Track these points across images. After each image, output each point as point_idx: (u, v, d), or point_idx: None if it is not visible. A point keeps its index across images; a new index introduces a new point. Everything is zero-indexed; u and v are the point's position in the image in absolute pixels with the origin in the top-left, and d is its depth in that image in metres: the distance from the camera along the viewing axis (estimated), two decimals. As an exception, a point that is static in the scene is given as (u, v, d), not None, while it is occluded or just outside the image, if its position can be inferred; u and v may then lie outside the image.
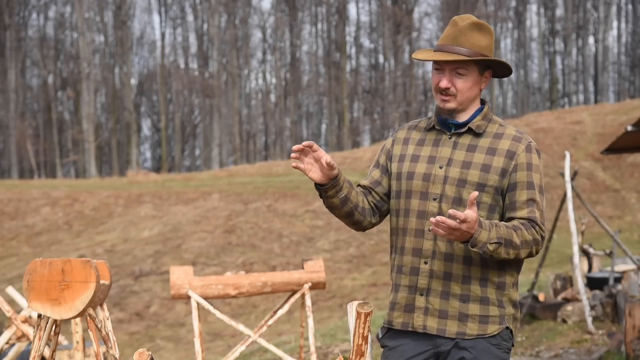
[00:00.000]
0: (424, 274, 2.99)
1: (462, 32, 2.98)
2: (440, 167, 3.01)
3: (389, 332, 3.11)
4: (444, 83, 2.99)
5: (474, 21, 3.01)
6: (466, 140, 3.03)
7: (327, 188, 2.98)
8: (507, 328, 3.01)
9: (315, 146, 2.93)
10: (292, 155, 2.95)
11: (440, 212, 2.97)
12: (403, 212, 3.06)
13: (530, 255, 2.95)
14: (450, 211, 2.75)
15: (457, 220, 2.74)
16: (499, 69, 3.09)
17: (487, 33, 3.02)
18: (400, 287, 3.06)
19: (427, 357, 3.01)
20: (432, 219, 2.77)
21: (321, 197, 3.05)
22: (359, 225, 3.14)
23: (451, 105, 3.01)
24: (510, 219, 2.97)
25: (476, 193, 2.74)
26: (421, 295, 2.99)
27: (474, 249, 2.83)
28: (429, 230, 2.90)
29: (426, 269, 2.98)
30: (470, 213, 2.76)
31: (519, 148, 2.99)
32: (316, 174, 2.96)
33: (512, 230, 2.88)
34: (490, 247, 2.84)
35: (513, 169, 2.97)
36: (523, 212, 2.95)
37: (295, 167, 2.94)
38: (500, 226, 2.87)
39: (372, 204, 3.15)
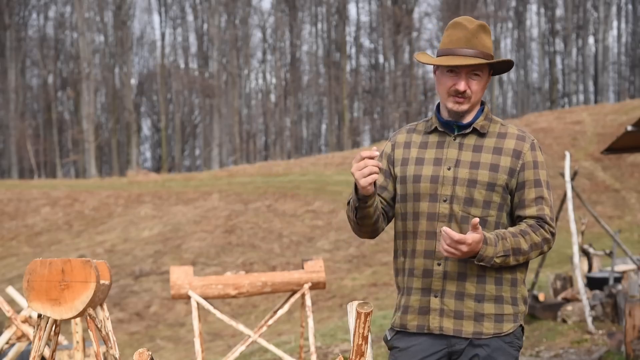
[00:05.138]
0: (438, 275, 3.01)
1: (473, 35, 3.01)
2: (449, 169, 3.03)
3: (399, 334, 3.11)
4: (462, 86, 3.00)
5: (481, 23, 3.05)
6: (471, 141, 3.06)
7: (371, 195, 2.95)
8: (520, 326, 3.07)
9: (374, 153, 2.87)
10: (372, 163, 2.86)
11: (452, 213, 3.00)
12: (412, 215, 3.07)
13: (541, 253, 3.03)
14: (444, 229, 2.81)
15: (455, 239, 2.80)
16: (499, 68, 3.13)
17: (490, 34, 3.07)
18: (413, 290, 3.06)
19: (440, 357, 3.02)
20: (444, 229, 2.81)
21: (356, 209, 3.00)
22: (376, 233, 3.13)
23: (465, 107, 3.04)
24: (520, 217, 3.03)
25: (477, 219, 2.81)
26: (435, 296, 3.01)
27: (481, 264, 2.91)
28: (440, 237, 2.92)
29: (440, 271, 3.00)
30: (474, 235, 2.83)
31: (524, 147, 3.04)
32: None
33: (519, 238, 2.95)
34: (498, 260, 2.92)
35: (521, 168, 3.02)
36: (532, 210, 3.01)
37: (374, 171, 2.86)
38: (507, 238, 2.93)
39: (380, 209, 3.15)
